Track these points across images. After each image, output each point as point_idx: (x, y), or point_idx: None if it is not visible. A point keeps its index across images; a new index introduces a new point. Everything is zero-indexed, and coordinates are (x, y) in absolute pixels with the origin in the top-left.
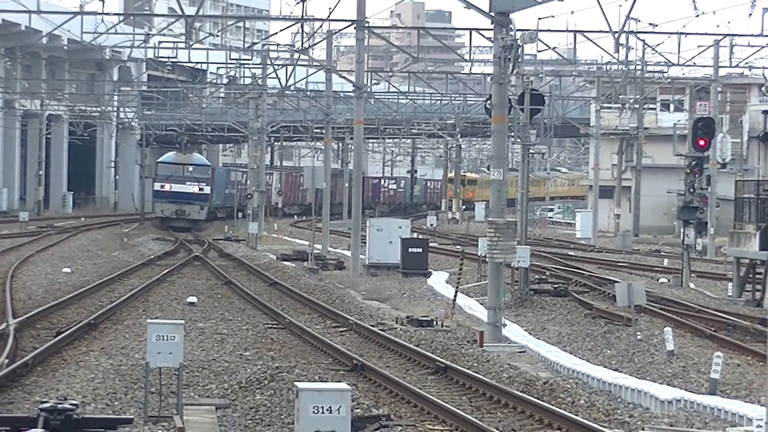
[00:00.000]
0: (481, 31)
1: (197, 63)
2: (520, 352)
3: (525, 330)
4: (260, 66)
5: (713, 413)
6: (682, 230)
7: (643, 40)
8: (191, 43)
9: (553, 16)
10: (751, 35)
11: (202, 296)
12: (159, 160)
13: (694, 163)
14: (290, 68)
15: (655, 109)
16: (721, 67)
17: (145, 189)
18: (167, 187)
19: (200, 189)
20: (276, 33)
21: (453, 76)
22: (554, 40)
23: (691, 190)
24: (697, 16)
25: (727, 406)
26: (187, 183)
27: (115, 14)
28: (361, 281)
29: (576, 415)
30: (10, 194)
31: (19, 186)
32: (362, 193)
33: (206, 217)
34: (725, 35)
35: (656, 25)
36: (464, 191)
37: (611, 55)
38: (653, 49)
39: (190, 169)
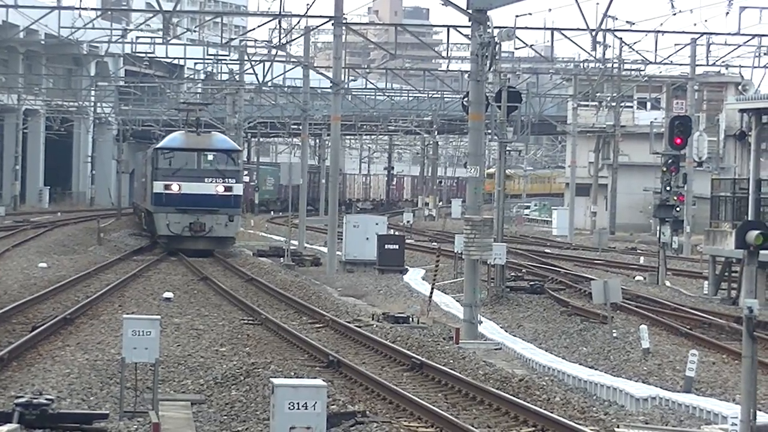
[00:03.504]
0: (458, 29)
1: (174, 58)
2: (495, 349)
3: (501, 327)
4: (238, 62)
5: (688, 411)
6: (658, 228)
7: (621, 38)
8: (169, 38)
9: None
10: (728, 34)
11: (179, 292)
12: (159, 144)
13: (670, 161)
14: (267, 64)
15: (632, 107)
16: (697, 65)
17: (122, 184)
18: (174, 187)
19: (227, 189)
20: (253, 29)
21: (430, 72)
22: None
23: (668, 188)
24: (675, 14)
25: (702, 404)
26: (207, 180)
27: (92, 9)
28: (337, 278)
29: (551, 412)
30: None
31: None
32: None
33: (236, 232)
34: (702, 34)
35: (633, 24)
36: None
37: (588, 53)
38: (630, 47)
39: (210, 157)
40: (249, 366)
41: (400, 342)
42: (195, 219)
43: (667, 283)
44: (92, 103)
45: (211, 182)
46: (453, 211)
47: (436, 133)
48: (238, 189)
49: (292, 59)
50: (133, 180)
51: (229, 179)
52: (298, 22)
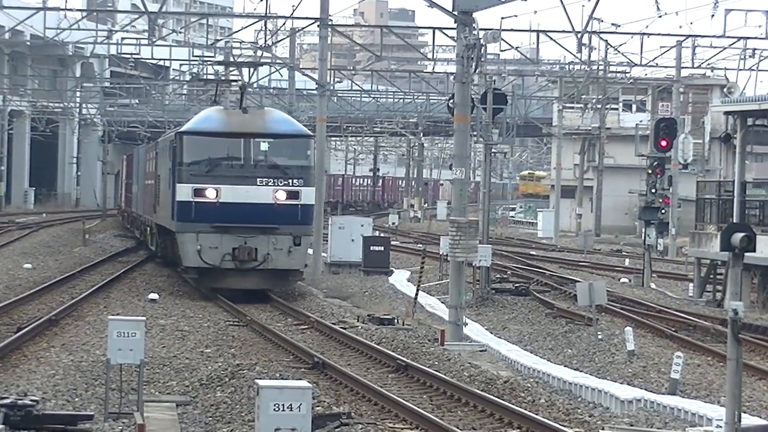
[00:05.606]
0: (444, 30)
1: (160, 59)
2: (481, 351)
3: (486, 329)
4: (223, 63)
5: (673, 413)
6: (643, 230)
7: (606, 41)
8: (154, 39)
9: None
10: (714, 36)
11: (164, 293)
12: (183, 128)
13: (655, 163)
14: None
15: (617, 109)
16: (683, 67)
17: (107, 185)
18: (210, 194)
19: (291, 195)
20: (239, 30)
21: (416, 74)
22: (517, 40)
23: (653, 190)
24: (660, 16)
25: (687, 406)
26: (260, 181)
27: (78, 10)
28: (322, 279)
29: (536, 414)
30: None
31: None
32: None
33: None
34: (688, 36)
35: (619, 26)
36: (533, 186)
37: (574, 55)
38: (616, 49)
39: (265, 146)
40: (234, 367)
41: (385, 344)
42: (242, 242)
43: (653, 285)
44: (77, 104)
45: (266, 185)
46: (438, 212)
47: (421, 134)
48: (308, 195)
49: (278, 61)
50: (119, 181)
51: (295, 180)
52: (284, 24)
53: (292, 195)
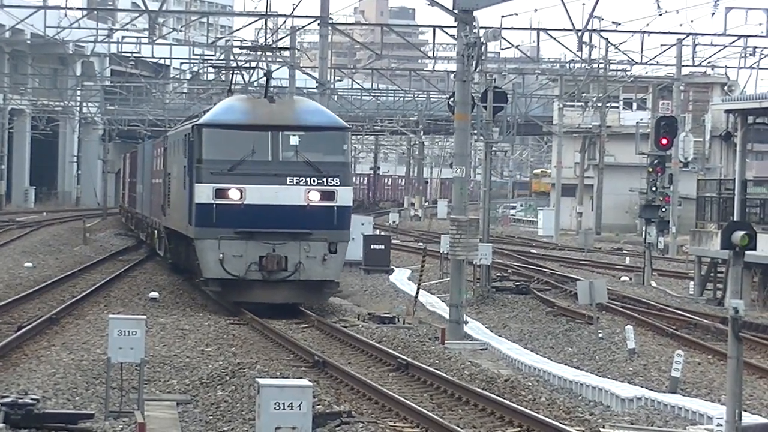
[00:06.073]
0: (444, 29)
1: (160, 58)
2: (481, 350)
3: (487, 327)
4: (223, 62)
5: (674, 412)
6: (644, 229)
7: (606, 39)
8: (154, 38)
9: (516, 14)
10: (714, 34)
11: (164, 292)
12: (203, 120)
13: (656, 161)
14: (253, 64)
15: (617, 107)
16: (683, 66)
17: (108, 184)
18: (233, 195)
19: (326, 196)
20: (239, 29)
21: (416, 73)
22: (517, 38)
23: (653, 188)
24: (660, 15)
25: (688, 405)
26: (290, 180)
27: (78, 9)
28: None
29: (537, 412)
30: None
31: None
32: None
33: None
34: (688, 34)
35: (619, 24)
36: (545, 185)
37: (574, 54)
38: (616, 47)
39: (295, 140)
40: (235, 366)
41: (385, 342)
42: (269, 250)
43: (653, 284)
44: (78, 103)
45: (297, 184)
46: (439, 211)
47: (422, 133)
48: (344, 196)
49: (278, 59)
50: (119, 180)
51: (330, 179)
52: (284, 23)
53: (327, 195)
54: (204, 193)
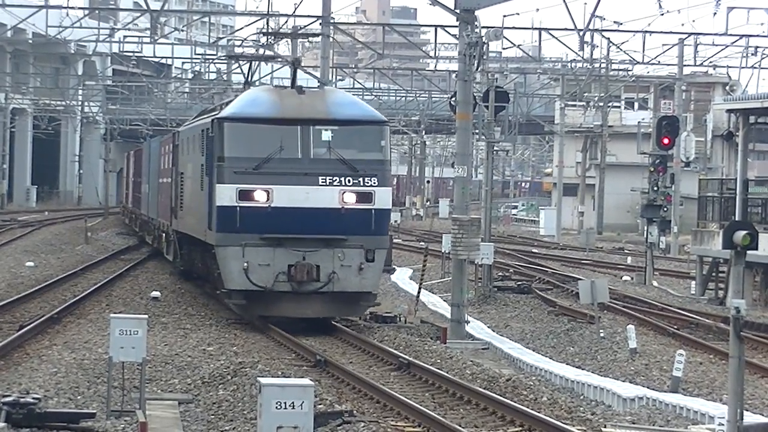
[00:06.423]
0: (446, 28)
1: (162, 58)
2: (483, 349)
3: (488, 327)
4: (225, 61)
5: (675, 411)
6: (645, 228)
7: (608, 38)
8: (156, 37)
9: (518, 14)
10: (716, 34)
11: (166, 291)
12: (225, 113)
13: (658, 161)
14: (255, 64)
15: (619, 107)
16: (685, 65)
17: (109, 183)
18: (259, 196)
19: (363, 197)
20: (241, 28)
21: (418, 72)
22: (519, 38)
23: (655, 188)
24: (662, 14)
25: (689, 404)
26: (323, 180)
27: (80, 8)
28: None
29: (538, 412)
30: None
31: None
32: None
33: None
34: (690, 34)
35: (621, 24)
36: None
37: (576, 53)
38: (618, 47)
39: (328, 135)
40: (236, 365)
41: (387, 342)
42: (299, 258)
43: (655, 283)
44: (80, 102)
45: (331, 185)
46: (440, 210)
47: (423, 132)
48: (383, 198)
49: (280, 59)
50: (121, 179)
51: (367, 179)
52: (286, 22)
53: (364, 197)
54: (226, 194)
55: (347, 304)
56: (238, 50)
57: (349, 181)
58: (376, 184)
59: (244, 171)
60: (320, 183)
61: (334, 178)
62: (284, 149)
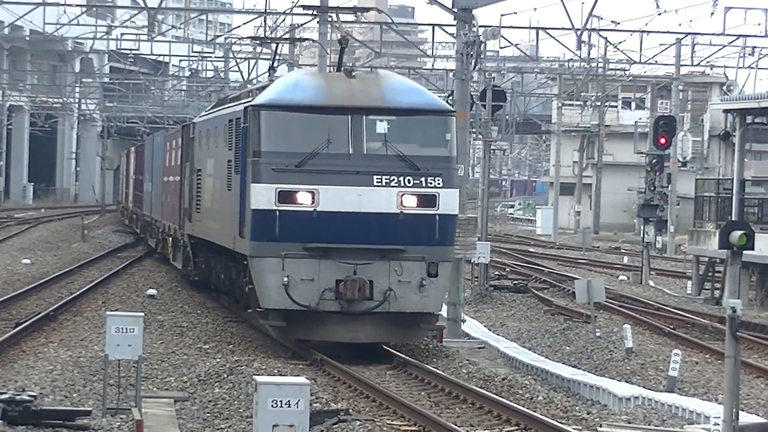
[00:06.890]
0: (443, 27)
1: (159, 55)
2: (479, 348)
3: (484, 326)
4: (223, 59)
5: (671, 411)
6: (642, 228)
7: (605, 38)
8: (153, 35)
9: (515, 13)
10: (713, 34)
11: (162, 289)
12: (260, 100)
13: (654, 161)
14: (253, 62)
15: (616, 106)
16: (682, 65)
17: (106, 181)
18: (302, 199)
19: (425, 201)
20: (239, 26)
21: (415, 71)
22: (517, 37)
23: (652, 188)
24: (660, 14)
25: (685, 404)
26: (377, 180)
27: (77, 5)
28: None
29: (534, 411)
30: None
31: None
32: None
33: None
34: (687, 34)
35: (618, 23)
36: None
37: (573, 53)
38: (615, 46)
39: (383, 127)
40: (232, 363)
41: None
42: (350, 272)
43: (651, 283)
44: (77, 100)
45: (387, 185)
46: None
47: None
48: (449, 201)
49: (278, 57)
50: (118, 177)
51: (431, 178)
52: (284, 20)
53: (427, 200)
54: (263, 196)
55: (405, 327)
56: (235, 49)
57: (408, 181)
58: (441, 185)
59: (285, 168)
60: (375, 183)
61: (391, 178)
62: (332, 143)
